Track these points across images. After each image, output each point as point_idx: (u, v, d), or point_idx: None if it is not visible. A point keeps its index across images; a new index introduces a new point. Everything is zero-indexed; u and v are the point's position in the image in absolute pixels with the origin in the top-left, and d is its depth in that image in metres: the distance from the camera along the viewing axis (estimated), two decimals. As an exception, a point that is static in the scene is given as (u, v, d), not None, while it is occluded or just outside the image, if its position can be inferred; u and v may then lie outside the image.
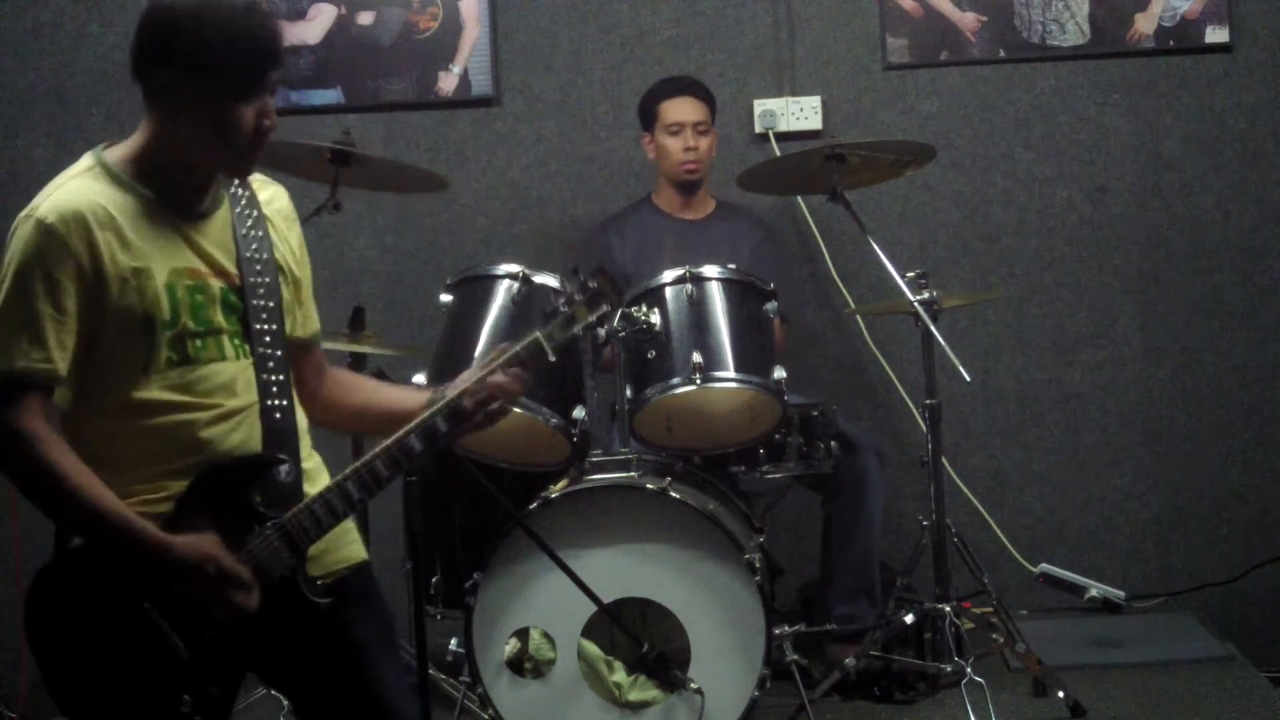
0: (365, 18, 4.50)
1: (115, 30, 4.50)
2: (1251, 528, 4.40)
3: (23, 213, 2.15)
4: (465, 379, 2.31)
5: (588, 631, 3.26)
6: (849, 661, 3.56)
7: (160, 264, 2.18)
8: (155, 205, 2.20)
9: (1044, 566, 4.36)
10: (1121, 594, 4.31)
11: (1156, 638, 4.04)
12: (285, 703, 3.50)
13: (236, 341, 2.25)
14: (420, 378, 3.41)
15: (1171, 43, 4.38)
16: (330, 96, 4.50)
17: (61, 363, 2.12)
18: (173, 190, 2.22)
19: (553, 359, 2.34)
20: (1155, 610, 4.32)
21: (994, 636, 3.61)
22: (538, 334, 2.34)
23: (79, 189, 2.16)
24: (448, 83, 4.49)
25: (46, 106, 4.52)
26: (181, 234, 2.22)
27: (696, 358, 3.37)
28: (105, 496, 2.12)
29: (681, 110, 4.12)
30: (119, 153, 2.22)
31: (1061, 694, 3.46)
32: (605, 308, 2.36)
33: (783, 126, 4.43)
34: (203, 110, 2.15)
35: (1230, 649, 3.94)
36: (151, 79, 2.17)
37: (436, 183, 4.08)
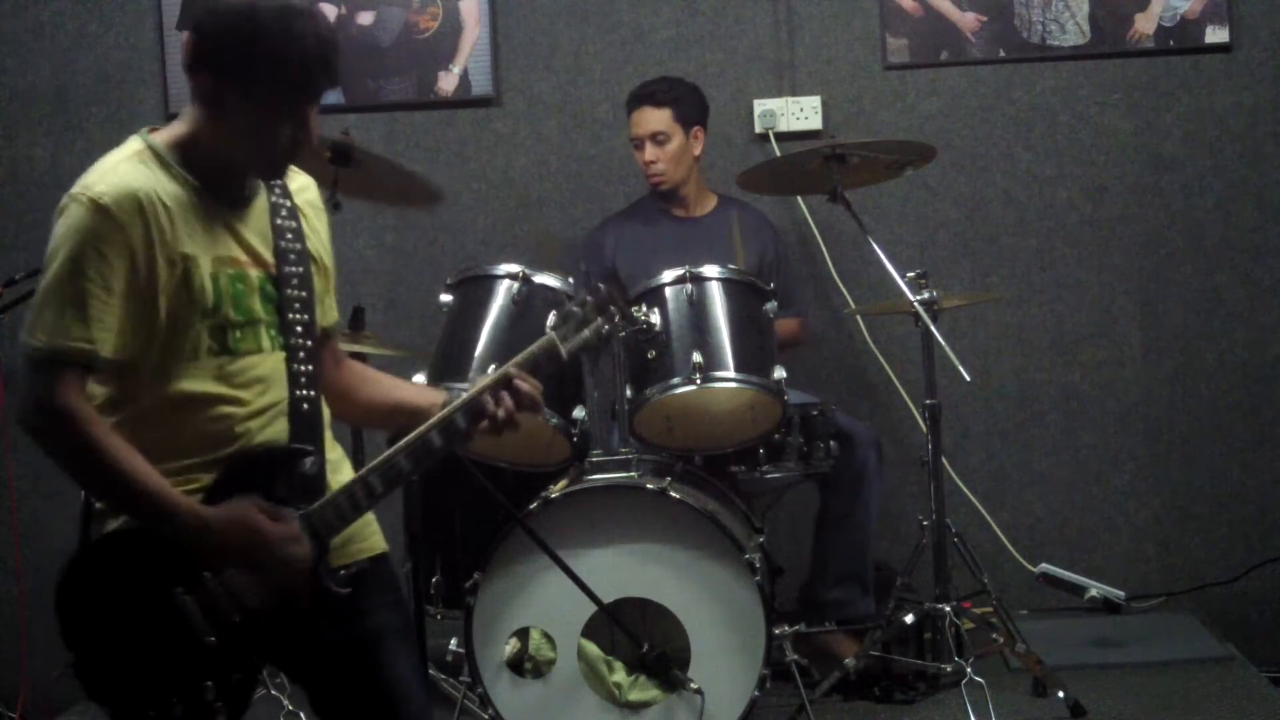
0: (365, 18, 4.50)
1: (115, 30, 4.50)
2: (1251, 528, 4.40)
3: (73, 192, 2.14)
4: (485, 378, 2.33)
5: (588, 631, 3.26)
6: (849, 661, 3.56)
7: (205, 252, 2.19)
8: (200, 192, 2.20)
9: (1044, 566, 4.36)
10: (1121, 594, 4.30)
11: (1156, 638, 4.04)
12: (286, 703, 3.51)
13: (272, 332, 2.26)
14: (420, 378, 3.41)
15: (1171, 43, 4.38)
16: (330, 96, 4.45)
17: (106, 345, 2.12)
18: (215, 178, 2.22)
19: (565, 359, 2.37)
20: (1155, 610, 4.31)
21: (994, 636, 3.61)
22: (552, 334, 2.37)
23: (132, 172, 2.16)
24: (448, 83, 4.49)
25: (46, 106, 4.51)
26: (224, 222, 2.23)
27: (697, 358, 3.38)
28: (151, 474, 2.12)
29: (637, 123, 4.13)
30: (165, 137, 2.22)
31: (1061, 694, 3.46)
32: (613, 310, 2.41)
33: (783, 126, 4.43)
34: (243, 117, 2.17)
35: (1230, 649, 3.94)
36: (198, 78, 2.18)
37: (430, 196, 4.05)
